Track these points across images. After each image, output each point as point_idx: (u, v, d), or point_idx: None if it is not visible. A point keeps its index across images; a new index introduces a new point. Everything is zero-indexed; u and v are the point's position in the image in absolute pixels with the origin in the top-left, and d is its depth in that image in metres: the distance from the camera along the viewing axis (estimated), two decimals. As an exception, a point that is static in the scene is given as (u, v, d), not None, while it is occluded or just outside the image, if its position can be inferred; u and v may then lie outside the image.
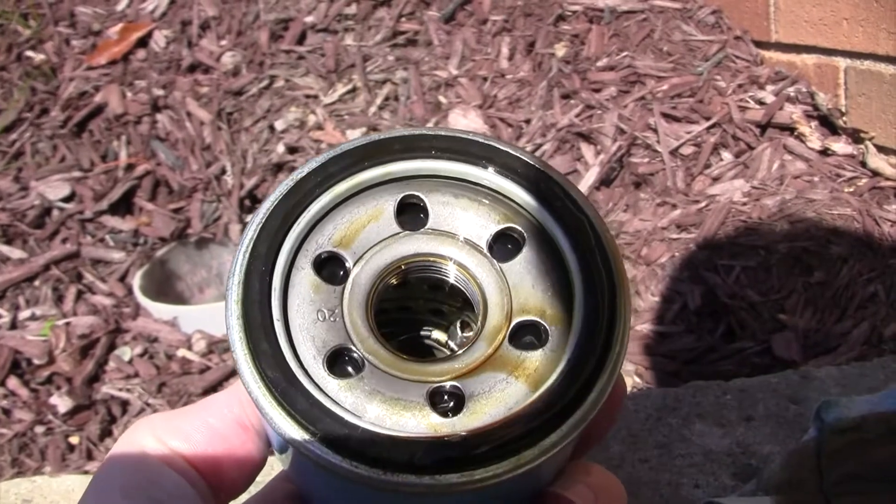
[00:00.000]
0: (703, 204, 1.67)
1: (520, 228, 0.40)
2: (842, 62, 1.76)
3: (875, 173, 1.71)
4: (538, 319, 0.38)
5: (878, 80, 1.68)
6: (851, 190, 1.68)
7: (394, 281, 0.41)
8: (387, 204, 0.41)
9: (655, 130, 1.81)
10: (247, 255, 0.38)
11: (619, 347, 0.37)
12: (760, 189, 1.69)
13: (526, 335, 0.39)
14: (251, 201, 1.91)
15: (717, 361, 1.43)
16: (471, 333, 0.42)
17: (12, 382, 1.52)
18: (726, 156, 1.78)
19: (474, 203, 0.41)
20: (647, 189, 1.75)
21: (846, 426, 0.84)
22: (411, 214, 0.41)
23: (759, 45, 1.97)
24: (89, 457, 1.41)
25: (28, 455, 1.42)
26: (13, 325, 1.64)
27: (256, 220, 0.39)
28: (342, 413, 0.36)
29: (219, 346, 1.61)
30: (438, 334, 0.48)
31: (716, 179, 1.74)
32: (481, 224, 0.40)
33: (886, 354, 1.34)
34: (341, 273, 0.40)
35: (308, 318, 0.38)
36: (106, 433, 1.47)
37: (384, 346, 0.38)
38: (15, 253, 1.78)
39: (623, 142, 1.78)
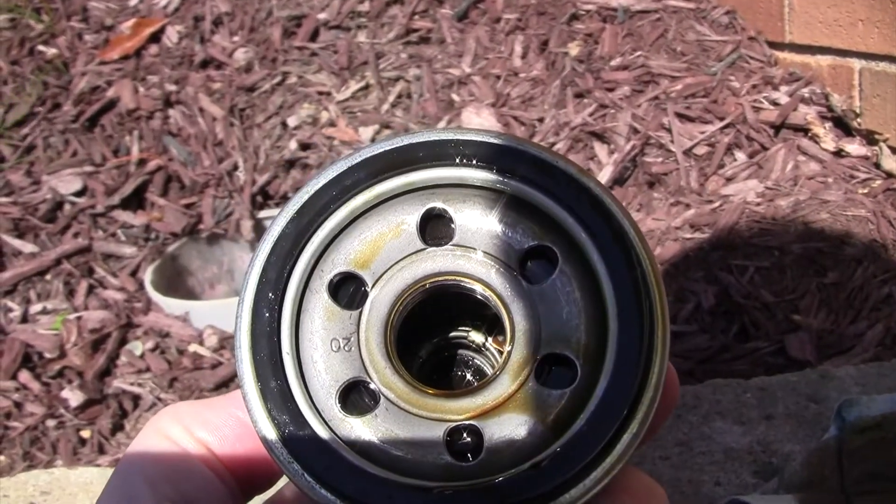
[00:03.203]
0: (716, 204, 1.67)
1: (553, 247, 0.36)
2: (856, 63, 1.76)
3: (889, 175, 1.70)
4: (567, 354, 0.35)
5: (893, 82, 1.67)
6: (866, 191, 1.68)
7: (414, 309, 0.38)
8: (409, 217, 0.37)
9: (669, 130, 1.80)
10: (256, 282, 0.36)
11: (654, 392, 0.34)
12: (774, 189, 1.69)
13: (553, 370, 0.36)
14: (263, 197, 1.90)
15: (731, 361, 1.42)
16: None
17: (24, 376, 1.52)
18: (740, 156, 1.78)
19: (505, 216, 0.37)
20: (660, 189, 1.75)
21: (867, 425, 0.84)
22: (436, 228, 0.38)
23: (773, 45, 1.97)
24: (101, 451, 1.41)
25: (40, 448, 1.41)
26: (25, 319, 1.64)
27: (267, 241, 0.37)
28: (351, 458, 0.34)
29: (230, 342, 1.60)
30: (476, 335, 0.45)
31: (729, 180, 1.73)
32: (512, 240, 0.37)
33: (902, 356, 1.33)
34: (359, 296, 0.37)
35: (321, 349, 0.36)
36: (117, 427, 1.46)
37: (402, 378, 0.36)
38: (27, 247, 1.78)
39: (637, 141, 1.78)
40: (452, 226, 0.37)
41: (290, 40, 2.11)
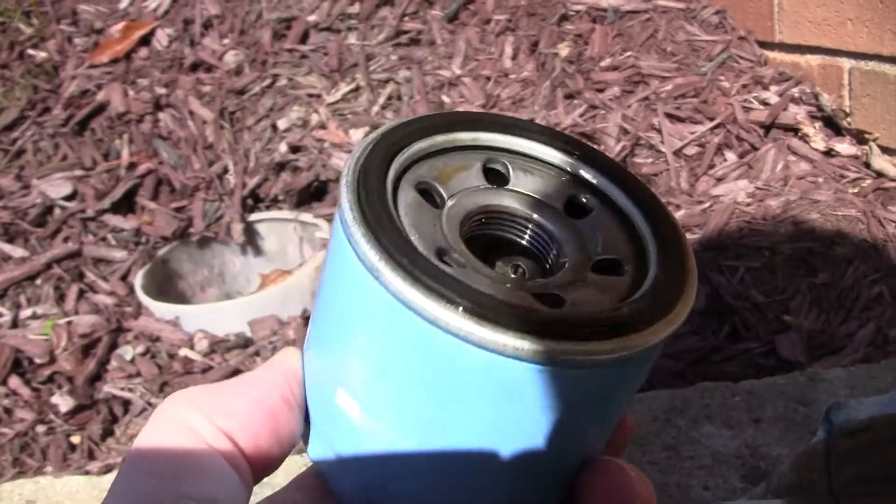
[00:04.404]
0: (707, 204, 1.67)
1: (592, 197, 0.43)
2: (846, 63, 1.76)
3: (879, 174, 1.71)
4: (616, 256, 0.40)
5: (882, 81, 1.68)
6: (856, 191, 1.68)
7: (481, 219, 0.42)
8: (475, 161, 0.43)
9: (659, 131, 1.80)
10: (360, 160, 0.39)
11: (695, 281, 0.39)
12: (764, 190, 1.69)
13: (607, 268, 0.40)
14: (253, 200, 1.90)
15: (722, 362, 1.42)
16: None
17: (14, 382, 1.52)
18: (730, 156, 1.78)
19: (552, 176, 0.44)
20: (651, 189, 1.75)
21: (855, 428, 0.84)
22: (494, 177, 0.43)
23: (763, 45, 1.97)
24: (91, 456, 1.40)
25: (29, 455, 1.41)
26: (14, 324, 1.63)
27: (365, 142, 0.40)
28: (457, 275, 0.35)
29: (221, 346, 1.60)
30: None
31: (720, 180, 1.74)
32: (557, 190, 0.43)
33: (892, 356, 1.33)
34: (438, 202, 0.41)
35: (415, 222, 0.38)
36: (107, 433, 1.46)
37: (480, 261, 0.39)
38: (17, 251, 1.77)
39: (627, 142, 1.78)
40: (507, 178, 0.43)
41: (280, 42, 2.11)
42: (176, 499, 0.34)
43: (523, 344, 0.33)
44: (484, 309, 0.33)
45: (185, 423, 0.37)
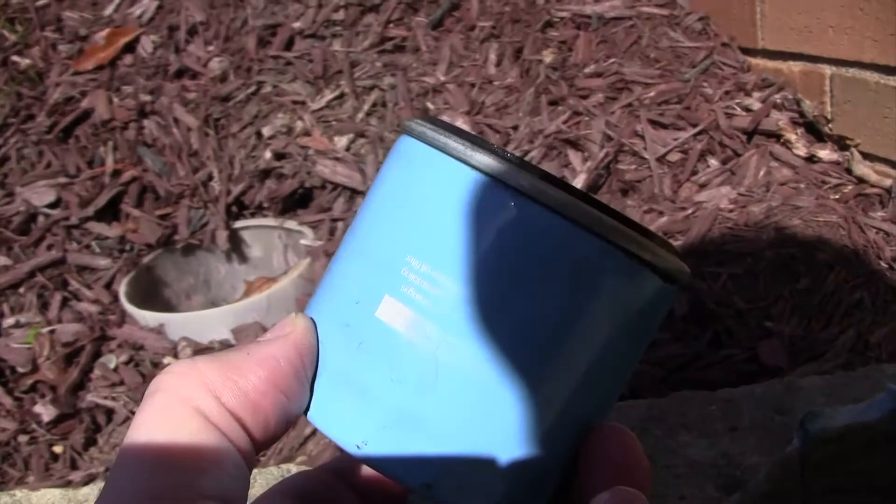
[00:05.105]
0: (690, 211, 1.68)
1: None
2: (827, 69, 1.77)
3: (860, 180, 1.72)
4: None
5: (863, 88, 1.69)
6: (837, 197, 1.69)
7: None
8: None
9: (642, 137, 1.81)
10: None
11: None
12: (747, 196, 1.69)
13: None
14: (238, 207, 1.90)
15: (704, 369, 1.43)
16: None
17: (-4, 391, 1.51)
18: (713, 163, 1.78)
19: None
20: (634, 196, 1.75)
21: (830, 436, 0.84)
22: None
23: (745, 51, 1.98)
24: (73, 466, 1.40)
25: (11, 465, 1.41)
26: (-2, 333, 1.63)
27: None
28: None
29: (205, 354, 1.60)
30: None
31: (703, 186, 1.74)
32: None
33: (871, 362, 1.34)
34: None
35: None
36: (90, 442, 1.46)
37: None
38: (0, 260, 1.77)
39: (610, 148, 1.78)
40: None
41: (264, 49, 2.11)
42: (196, 498, 0.30)
43: (617, 225, 0.36)
44: (576, 194, 0.35)
45: (193, 404, 0.33)
